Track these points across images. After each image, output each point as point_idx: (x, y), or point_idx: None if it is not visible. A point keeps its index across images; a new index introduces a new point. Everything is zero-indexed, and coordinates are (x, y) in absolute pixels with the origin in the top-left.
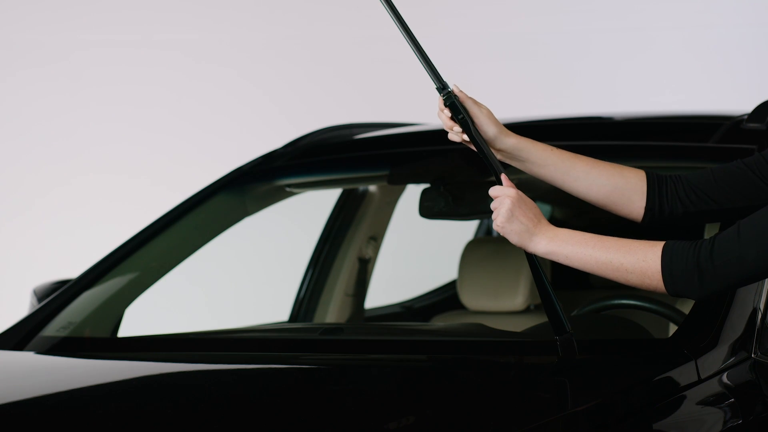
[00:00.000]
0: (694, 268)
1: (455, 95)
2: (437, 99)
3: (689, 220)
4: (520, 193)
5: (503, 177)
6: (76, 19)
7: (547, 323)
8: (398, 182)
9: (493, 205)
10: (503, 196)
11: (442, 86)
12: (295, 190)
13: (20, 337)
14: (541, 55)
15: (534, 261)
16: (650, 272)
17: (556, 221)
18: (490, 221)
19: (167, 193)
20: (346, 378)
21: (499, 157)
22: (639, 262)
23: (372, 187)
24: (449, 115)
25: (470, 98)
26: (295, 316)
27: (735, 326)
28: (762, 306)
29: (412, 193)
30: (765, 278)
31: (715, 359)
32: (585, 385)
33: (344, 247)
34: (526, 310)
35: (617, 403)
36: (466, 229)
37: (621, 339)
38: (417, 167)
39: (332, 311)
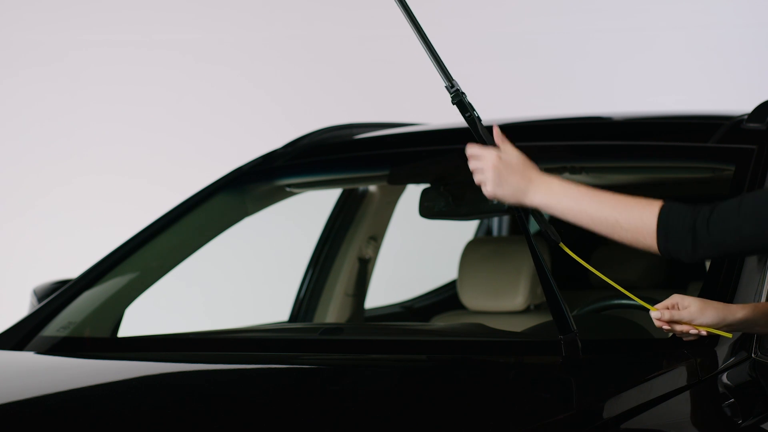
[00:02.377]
0: (689, 230)
1: (463, 93)
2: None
3: None
4: (501, 154)
5: (494, 127)
6: (76, 19)
7: (546, 323)
8: (398, 182)
9: (472, 165)
10: (485, 160)
11: (450, 84)
12: (295, 190)
13: (20, 337)
14: (541, 55)
15: (540, 260)
16: (645, 230)
17: (555, 221)
18: (491, 221)
19: (167, 193)
20: (346, 378)
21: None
22: (635, 219)
23: (372, 187)
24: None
25: (676, 295)
26: (295, 316)
27: None
28: None
29: (412, 193)
30: (756, 255)
31: (715, 359)
32: (585, 385)
33: (344, 247)
34: (526, 310)
35: (617, 403)
36: (466, 229)
37: (621, 339)
38: (417, 167)
39: (332, 311)
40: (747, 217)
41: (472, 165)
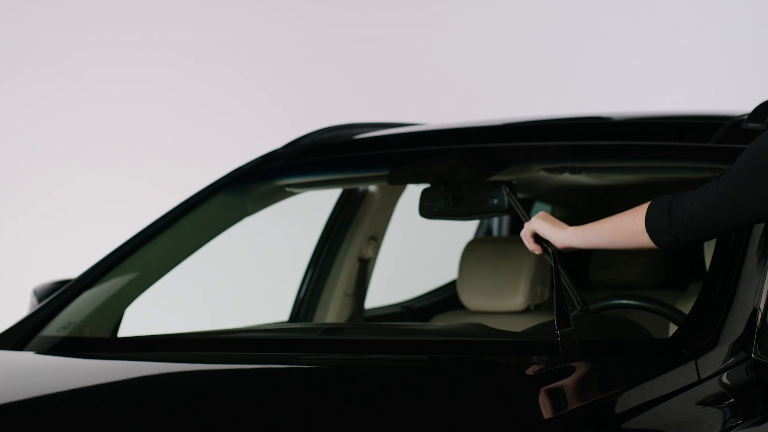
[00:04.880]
0: (666, 208)
1: None
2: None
3: None
4: (536, 216)
5: None
6: (76, 19)
7: (547, 323)
8: (398, 182)
9: (529, 244)
10: (530, 222)
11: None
12: (295, 190)
13: (20, 337)
14: (541, 55)
15: (555, 258)
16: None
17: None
18: (490, 221)
19: (167, 193)
20: (346, 378)
21: None
22: (639, 221)
23: (372, 187)
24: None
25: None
26: (295, 316)
27: (735, 326)
28: (762, 306)
29: (412, 193)
30: (708, 236)
31: (715, 359)
32: (585, 385)
33: (344, 247)
34: (526, 310)
35: (617, 403)
36: (466, 229)
37: (621, 339)
38: (417, 167)
39: (332, 311)
40: (698, 194)
41: (530, 245)
